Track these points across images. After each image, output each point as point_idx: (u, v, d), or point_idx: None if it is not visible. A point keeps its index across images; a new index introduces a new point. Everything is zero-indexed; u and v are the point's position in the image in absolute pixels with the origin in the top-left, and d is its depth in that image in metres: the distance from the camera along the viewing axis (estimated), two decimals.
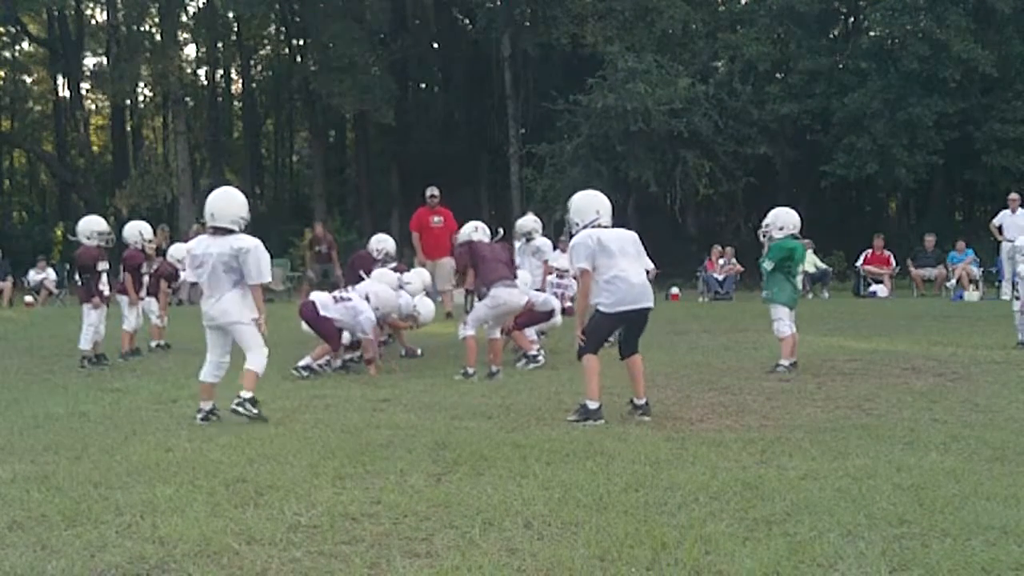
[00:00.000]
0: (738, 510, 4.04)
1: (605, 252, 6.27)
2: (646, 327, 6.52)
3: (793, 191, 26.38)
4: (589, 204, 6.57)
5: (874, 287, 19.42)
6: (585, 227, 6.45)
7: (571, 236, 6.54)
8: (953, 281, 18.48)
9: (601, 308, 6.29)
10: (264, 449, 5.36)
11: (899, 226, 28.28)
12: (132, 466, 4.97)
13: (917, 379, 7.87)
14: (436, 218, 14.91)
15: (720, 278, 19.78)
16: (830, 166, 24.20)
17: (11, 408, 7.03)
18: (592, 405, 6.23)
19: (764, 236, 8.81)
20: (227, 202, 6.56)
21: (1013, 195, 17.43)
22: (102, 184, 33.99)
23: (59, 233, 33.98)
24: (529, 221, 10.77)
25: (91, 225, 9.88)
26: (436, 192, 15.07)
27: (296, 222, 30.48)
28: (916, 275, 19.54)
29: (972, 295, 17.63)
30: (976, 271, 18.62)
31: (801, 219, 8.91)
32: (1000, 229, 17.21)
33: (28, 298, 20.23)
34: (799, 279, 9.11)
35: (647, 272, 6.61)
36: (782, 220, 8.75)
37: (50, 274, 20.91)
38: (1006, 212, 17.31)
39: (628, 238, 6.48)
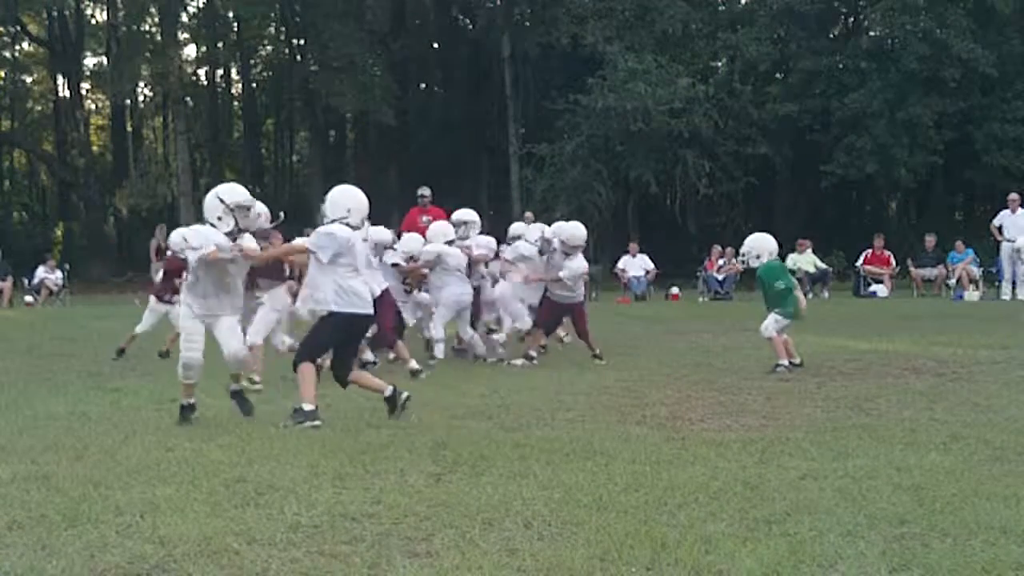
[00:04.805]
0: (738, 510, 4.04)
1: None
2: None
3: (793, 191, 26.42)
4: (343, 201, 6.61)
5: (874, 287, 19.42)
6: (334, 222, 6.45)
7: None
8: (953, 281, 18.48)
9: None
10: (264, 449, 5.35)
11: (899, 226, 28.27)
12: (132, 466, 4.96)
13: (917, 379, 7.86)
14: (425, 217, 14.95)
15: (720, 278, 19.77)
16: (830, 166, 24.19)
17: (11, 408, 7.01)
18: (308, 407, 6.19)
19: (743, 264, 8.90)
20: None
21: (1013, 195, 17.45)
22: (102, 184, 33.98)
23: (59, 233, 34.03)
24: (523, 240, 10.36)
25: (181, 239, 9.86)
26: (427, 192, 15.14)
27: (296, 222, 30.46)
28: (916, 275, 19.54)
29: (972, 295, 17.62)
30: (976, 271, 18.62)
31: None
32: (1000, 229, 17.23)
33: (28, 298, 20.22)
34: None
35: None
36: (758, 248, 8.81)
37: (57, 275, 20.90)
38: (1006, 212, 17.33)
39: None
